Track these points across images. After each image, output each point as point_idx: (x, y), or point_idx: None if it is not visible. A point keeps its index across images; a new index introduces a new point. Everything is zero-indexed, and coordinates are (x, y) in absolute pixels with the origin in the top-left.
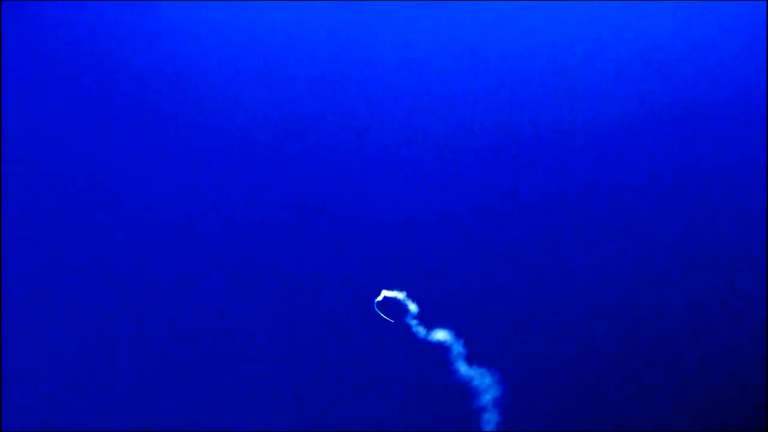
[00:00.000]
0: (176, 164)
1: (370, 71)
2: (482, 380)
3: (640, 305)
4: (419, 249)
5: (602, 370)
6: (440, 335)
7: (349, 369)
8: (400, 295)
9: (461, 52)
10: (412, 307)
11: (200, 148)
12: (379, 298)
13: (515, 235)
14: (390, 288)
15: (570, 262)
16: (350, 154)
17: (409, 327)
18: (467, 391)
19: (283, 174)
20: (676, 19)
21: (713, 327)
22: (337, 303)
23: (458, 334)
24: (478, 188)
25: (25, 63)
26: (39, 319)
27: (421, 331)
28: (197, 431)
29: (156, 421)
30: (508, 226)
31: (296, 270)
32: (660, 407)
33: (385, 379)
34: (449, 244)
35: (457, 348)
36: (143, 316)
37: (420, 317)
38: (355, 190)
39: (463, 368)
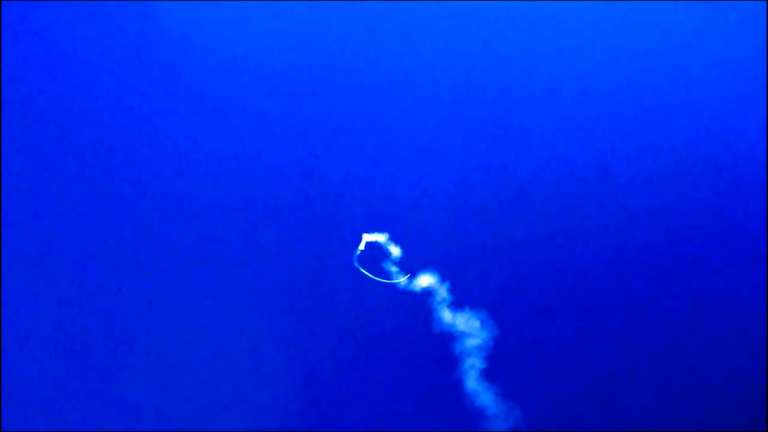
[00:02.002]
0: (176, 163)
1: (371, 70)
2: (466, 326)
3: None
4: (403, 186)
5: (594, 331)
6: (424, 280)
7: (327, 321)
8: (381, 237)
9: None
10: (395, 251)
11: (202, 148)
12: (361, 247)
13: (507, 174)
14: (371, 231)
15: (565, 210)
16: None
17: (389, 275)
18: (450, 337)
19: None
20: (675, 19)
21: (713, 325)
22: (314, 248)
23: (443, 277)
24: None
25: (25, 63)
26: (39, 319)
27: (401, 279)
28: (197, 431)
29: (156, 421)
30: (500, 167)
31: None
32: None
33: (367, 330)
34: (434, 181)
35: (442, 293)
36: (144, 316)
37: (403, 261)
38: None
39: (446, 315)
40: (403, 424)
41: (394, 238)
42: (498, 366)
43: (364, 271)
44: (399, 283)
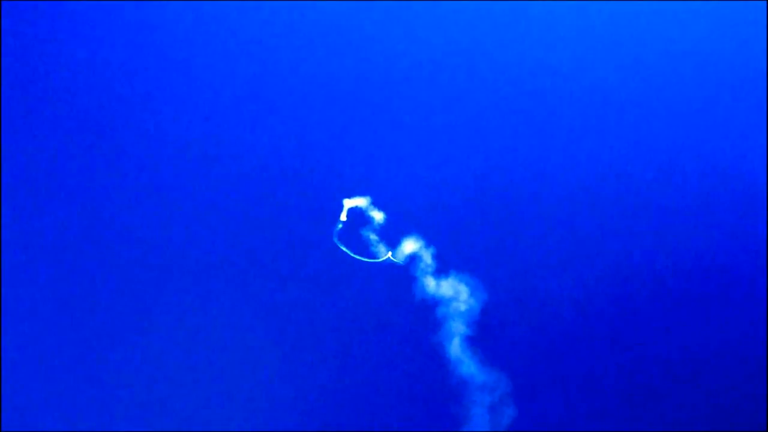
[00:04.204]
0: (177, 165)
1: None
2: (453, 292)
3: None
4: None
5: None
6: (408, 246)
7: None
8: (362, 201)
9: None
10: (378, 216)
11: (202, 150)
12: (342, 218)
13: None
14: (351, 195)
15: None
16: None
17: (370, 245)
18: (435, 305)
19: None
20: (675, 19)
21: (712, 323)
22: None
23: (429, 242)
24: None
25: (25, 63)
26: (39, 318)
27: (384, 257)
28: (197, 431)
29: (156, 421)
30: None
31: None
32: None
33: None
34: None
35: (427, 260)
36: (144, 316)
37: (386, 228)
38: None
39: (431, 282)
40: (386, 399)
41: (376, 203)
42: (485, 334)
43: (345, 249)
44: (382, 260)
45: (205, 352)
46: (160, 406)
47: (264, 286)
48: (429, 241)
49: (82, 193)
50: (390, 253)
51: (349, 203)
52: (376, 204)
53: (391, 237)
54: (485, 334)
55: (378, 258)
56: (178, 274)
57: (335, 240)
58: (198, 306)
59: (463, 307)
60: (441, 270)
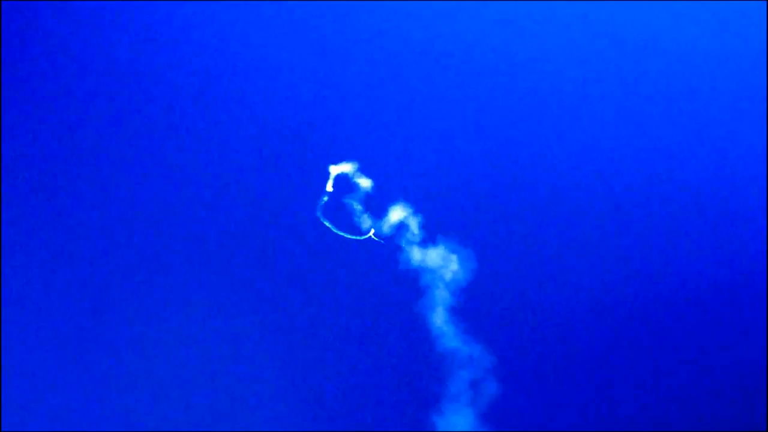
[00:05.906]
0: (177, 165)
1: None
2: (439, 261)
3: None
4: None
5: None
6: (395, 215)
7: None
8: (348, 167)
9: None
10: (364, 183)
11: (201, 151)
12: (329, 188)
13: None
14: (337, 161)
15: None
16: None
17: (354, 214)
18: (419, 276)
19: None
20: (674, 19)
21: (713, 322)
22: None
23: (416, 210)
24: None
25: (25, 63)
26: (39, 318)
27: (367, 222)
28: (197, 431)
29: (156, 421)
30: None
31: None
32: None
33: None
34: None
35: (413, 229)
36: (144, 316)
37: (372, 196)
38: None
39: (416, 253)
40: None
41: (363, 169)
42: (471, 305)
43: (328, 224)
44: (365, 237)
45: (195, 336)
46: (160, 405)
47: (246, 261)
48: (417, 209)
49: (80, 192)
50: (372, 231)
51: (335, 170)
52: (363, 170)
53: (378, 205)
54: (471, 305)
55: (361, 235)
56: (165, 254)
57: (318, 214)
58: (187, 289)
59: (448, 276)
60: (428, 239)
